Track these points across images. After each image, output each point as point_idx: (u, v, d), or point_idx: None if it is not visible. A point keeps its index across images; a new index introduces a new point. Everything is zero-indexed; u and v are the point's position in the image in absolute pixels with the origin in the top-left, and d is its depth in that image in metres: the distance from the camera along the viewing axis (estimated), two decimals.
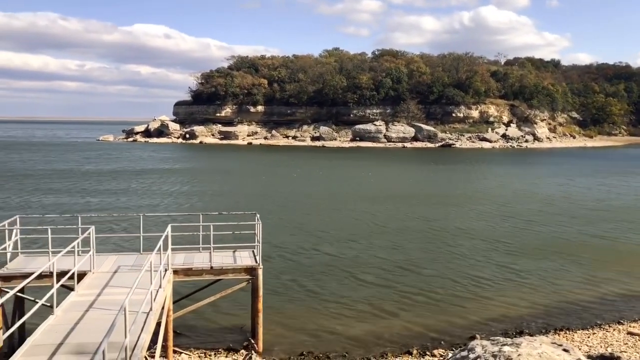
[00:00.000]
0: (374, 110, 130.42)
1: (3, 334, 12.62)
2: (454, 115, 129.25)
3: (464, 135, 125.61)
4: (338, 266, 23.48)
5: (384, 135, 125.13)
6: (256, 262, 15.57)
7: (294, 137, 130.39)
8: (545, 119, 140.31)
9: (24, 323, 12.42)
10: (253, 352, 14.83)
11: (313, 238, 28.61)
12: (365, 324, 17.20)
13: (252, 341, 15.30)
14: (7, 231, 14.66)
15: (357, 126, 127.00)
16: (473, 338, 15.48)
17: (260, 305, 15.28)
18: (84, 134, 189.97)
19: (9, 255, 14.66)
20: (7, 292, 13.61)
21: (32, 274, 12.96)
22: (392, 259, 24.63)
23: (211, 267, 15.18)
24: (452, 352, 14.34)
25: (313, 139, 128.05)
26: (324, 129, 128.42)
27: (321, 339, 16.10)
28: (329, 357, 14.82)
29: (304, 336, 16.26)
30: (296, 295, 19.78)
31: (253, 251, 16.54)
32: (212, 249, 15.67)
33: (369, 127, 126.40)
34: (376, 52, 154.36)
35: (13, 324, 14.52)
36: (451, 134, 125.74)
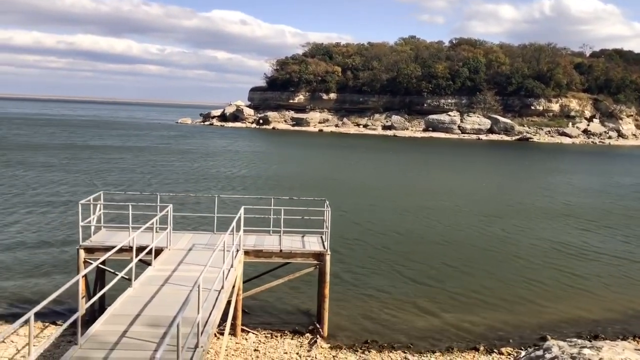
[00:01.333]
0: (449, 100, 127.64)
1: (85, 302, 13.35)
2: (532, 108, 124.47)
3: (542, 129, 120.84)
4: (402, 258, 23.27)
5: (458, 127, 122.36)
6: (324, 248, 15.68)
7: (365, 126, 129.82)
8: (632, 115, 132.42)
9: (104, 293, 13.09)
10: (318, 336, 14.99)
11: (378, 229, 28.47)
12: (431, 318, 16.98)
13: (318, 325, 15.46)
14: (92, 206, 15.47)
15: (431, 116, 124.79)
16: (544, 339, 14.97)
17: (327, 291, 15.40)
18: (163, 117, 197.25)
19: (92, 228, 15.48)
20: (91, 263, 14.40)
21: (113, 247, 13.66)
22: (456, 256, 24.12)
23: (280, 250, 15.42)
24: (524, 351, 13.92)
25: (384, 128, 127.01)
26: (395, 118, 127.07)
27: (385, 329, 16.05)
28: (394, 347, 14.76)
29: (368, 325, 16.26)
30: (361, 284, 19.78)
31: (321, 237, 16.66)
32: (282, 232, 15.91)
33: (443, 117, 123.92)
34: (453, 41, 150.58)
35: (94, 293, 15.38)
36: (529, 128, 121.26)
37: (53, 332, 14.37)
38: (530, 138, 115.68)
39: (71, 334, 13.22)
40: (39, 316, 13.43)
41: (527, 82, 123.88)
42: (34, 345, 7.76)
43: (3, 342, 12.70)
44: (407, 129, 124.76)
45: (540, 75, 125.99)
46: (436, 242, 26.33)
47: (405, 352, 14.41)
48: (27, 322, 7.47)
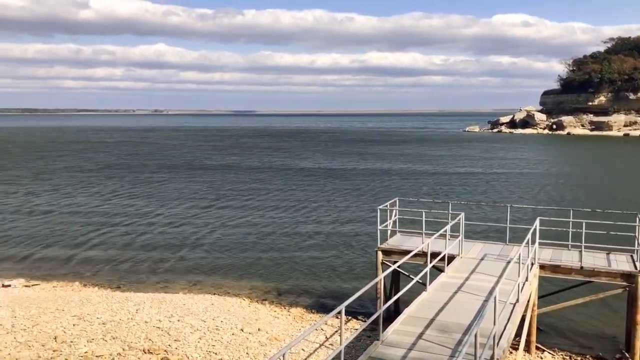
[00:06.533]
0: None
1: (383, 303, 14.29)
2: None
3: None
4: None
5: None
6: (635, 268, 13.88)
7: None
8: None
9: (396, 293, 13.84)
10: None
11: None
12: None
13: (627, 354, 13.75)
14: (388, 211, 16.53)
15: None
16: None
17: (639, 317, 13.58)
18: (449, 126, 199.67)
19: (389, 232, 16.52)
20: (387, 264, 15.39)
21: (408, 251, 14.38)
22: None
23: (581, 267, 14.19)
24: None
25: None
26: None
27: None
28: None
29: None
30: None
31: (632, 256, 14.80)
32: (583, 247, 14.63)
33: None
34: None
35: (390, 293, 16.38)
36: None
37: (354, 325, 15.76)
38: None
39: (370, 330, 14.30)
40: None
41: None
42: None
43: (315, 329, 14.41)
44: None
45: None
46: None
47: None
48: (338, 314, 8.34)
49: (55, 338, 12.72)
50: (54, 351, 12.04)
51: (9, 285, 19.36)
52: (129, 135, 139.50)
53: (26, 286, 19.54)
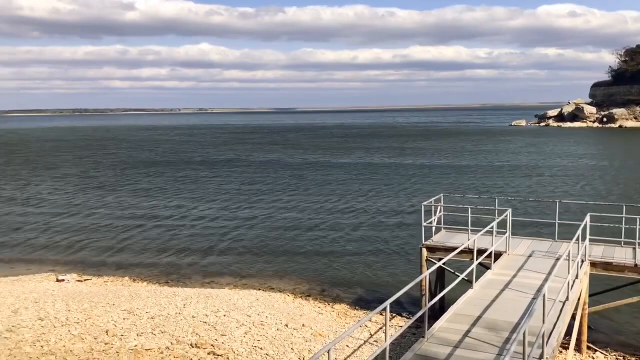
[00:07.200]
0: None
1: (428, 300, 14.14)
2: None
3: None
4: None
5: None
6: None
7: None
8: None
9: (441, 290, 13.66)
10: None
11: None
12: None
13: None
14: (433, 207, 16.33)
15: None
16: None
17: None
18: (495, 120, 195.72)
19: (433, 228, 16.33)
20: (432, 261, 15.23)
21: (453, 248, 14.16)
22: None
23: (635, 265, 13.70)
24: None
25: None
26: None
27: None
28: None
29: None
30: None
31: None
32: (637, 244, 14.12)
33: None
34: None
35: (435, 290, 16.21)
36: None
37: (398, 322, 15.66)
38: None
39: (415, 327, 14.19)
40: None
41: None
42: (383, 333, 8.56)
43: (359, 326, 14.41)
44: None
45: None
46: None
47: None
48: (383, 310, 8.29)
49: (106, 331, 13.12)
50: (105, 344, 12.42)
51: (63, 280, 20.08)
52: (174, 134, 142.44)
53: (79, 281, 20.23)
